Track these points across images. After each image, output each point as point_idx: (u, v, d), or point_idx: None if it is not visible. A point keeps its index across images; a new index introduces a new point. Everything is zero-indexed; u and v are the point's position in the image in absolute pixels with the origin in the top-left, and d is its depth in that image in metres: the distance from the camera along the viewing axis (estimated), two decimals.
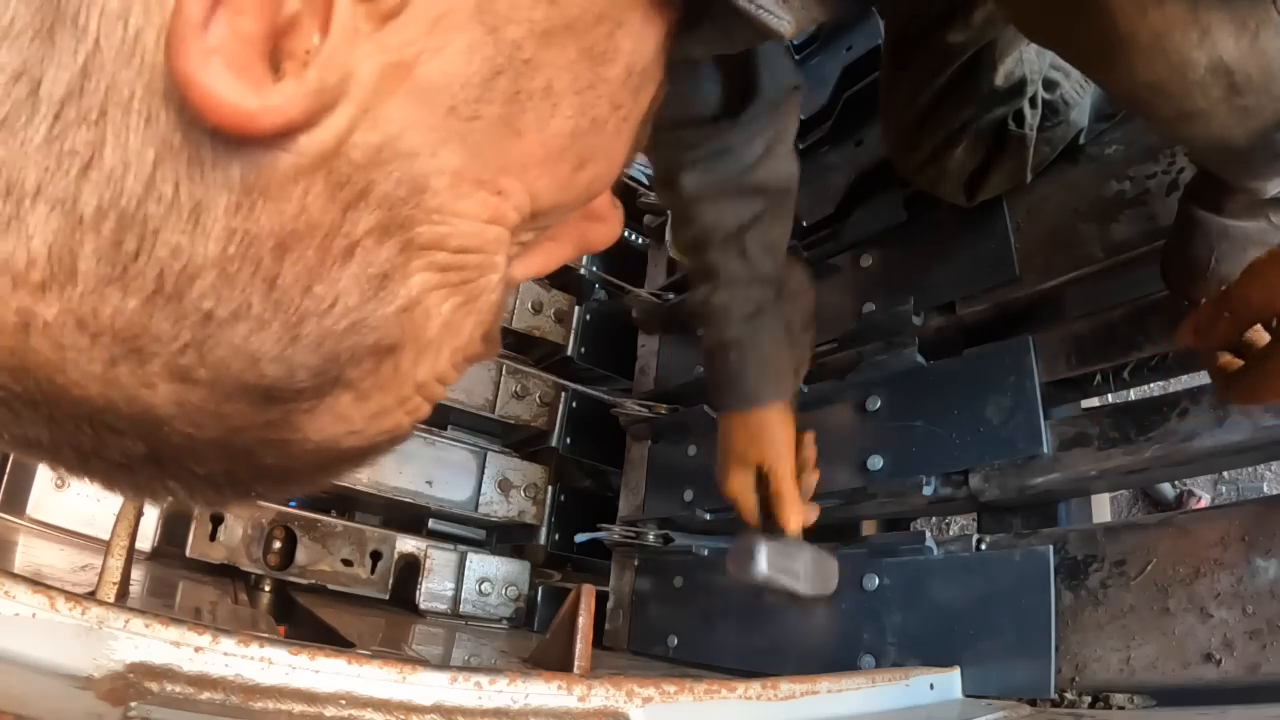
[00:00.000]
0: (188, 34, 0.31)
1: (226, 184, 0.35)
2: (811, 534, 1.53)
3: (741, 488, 1.33)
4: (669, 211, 1.32)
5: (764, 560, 1.20)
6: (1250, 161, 0.87)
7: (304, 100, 0.34)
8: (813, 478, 1.36)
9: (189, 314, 0.36)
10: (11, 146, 0.31)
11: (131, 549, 0.85)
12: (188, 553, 1.76)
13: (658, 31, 0.50)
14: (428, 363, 0.45)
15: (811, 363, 1.41)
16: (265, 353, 0.38)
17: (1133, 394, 1.42)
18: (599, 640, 1.91)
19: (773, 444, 1.31)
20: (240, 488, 0.46)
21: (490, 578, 2.08)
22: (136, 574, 1.34)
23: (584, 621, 0.94)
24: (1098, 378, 1.28)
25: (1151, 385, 1.36)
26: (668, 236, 2.21)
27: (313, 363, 0.40)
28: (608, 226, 0.57)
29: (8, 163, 0.32)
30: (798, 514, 1.29)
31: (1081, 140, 1.36)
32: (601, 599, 1.90)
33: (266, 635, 0.68)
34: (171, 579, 1.62)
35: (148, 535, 1.70)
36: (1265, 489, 3.04)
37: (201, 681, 0.63)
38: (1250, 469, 3.06)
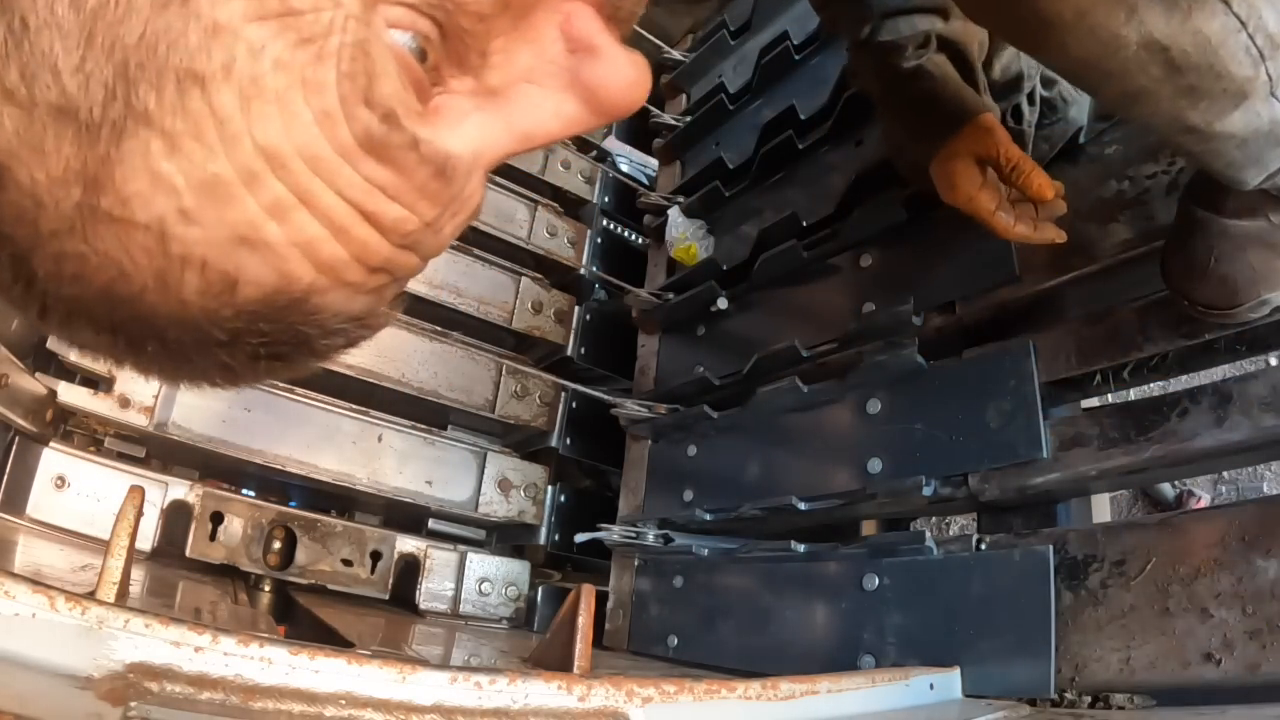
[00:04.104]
0: None
1: None
2: (809, 534, 1.54)
3: (970, 187, 1.18)
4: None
5: None
6: (1220, 150, 0.86)
7: None
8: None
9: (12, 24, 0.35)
10: None
11: (131, 549, 0.85)
12: (187, 553, 1.76)
13: None
14: (272, 120, 0.39)
15: None
16: (65, 64, 0.36)
17: (1133, 394, 1.42)
18: (599, 640, 1.91)
19: (1002, 133, 1.16)
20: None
21: (490, 578, 2.08)
22: (136, 574, 1.34)
23: (584, 621, 0.94)
24: (1098, 377, 1.28)
25: (1151, 385, 1.36)
26: (666, 237, 2.21)
27: (106, 73, 0.36)
28: (606, 62, 0.48)
29: None
30: (1044, 177, 1.13)
31: (1081, 139, 1.36)
32: (601, 599, 1.90)
33: (266, 635, 0.68)
34: (171, 579, 1.62)
35: (148, 535, 1.70)
36: (1265, 489, 3.05)
37: (201, 681, 0.63)
38: (1250, 469, 3.07)
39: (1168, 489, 3.20)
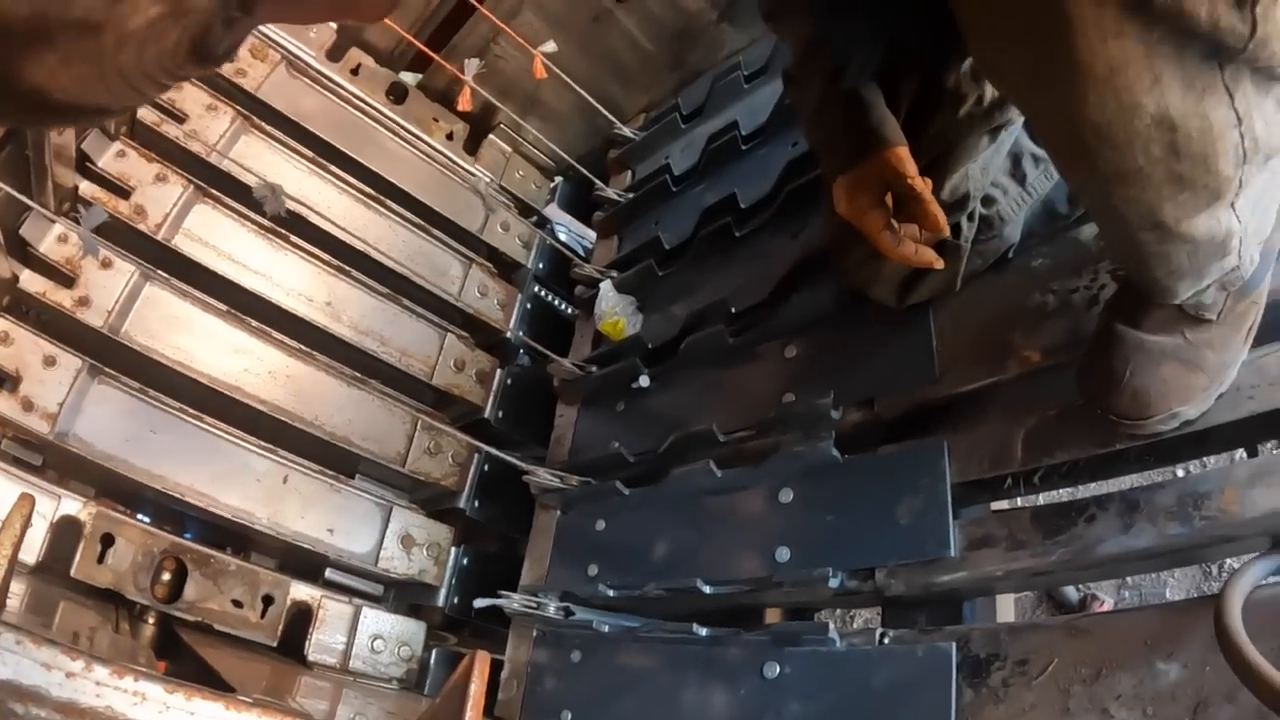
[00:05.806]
0: None
1: None
2: (713, 617, 1.53)
3: (865, 205, 1.25)
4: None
5: None
6: (1172, 253, 0.90)
7: None
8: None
9: None
10: None
11: (14, 560, 0.81)
12: (72, 572, 1.67)
13: None
14: (130, 53, 0.52)
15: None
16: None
17: (1041, 498, 1.44)
18: (490, 709, 1.86)
19: (911, 166, 1.22)
20: None
21: (384, 635, 2.03)
22: (16, 587, 1.28)
23: (476, 689, 0.92)
24: (1009, 480, 1.30)
25: (1060, 490, 1.39)
26: (596, 310, 2.22)
27: (24, 12, 0.47)
28: None
29: None
30: (940, 212, 1.22)
31: (1010, 255, 1.40)
32: (496, 667, 1.86)
33: (144, 670, 0.65)
34: (53, 598, 1.55)
35: (33, 548, 1.62)
36: (1168, 594, 3.11)
37: (69, 709, 0.60)
38: (1154, 575, 3.14)
39: (1072, 592, 3.25)
